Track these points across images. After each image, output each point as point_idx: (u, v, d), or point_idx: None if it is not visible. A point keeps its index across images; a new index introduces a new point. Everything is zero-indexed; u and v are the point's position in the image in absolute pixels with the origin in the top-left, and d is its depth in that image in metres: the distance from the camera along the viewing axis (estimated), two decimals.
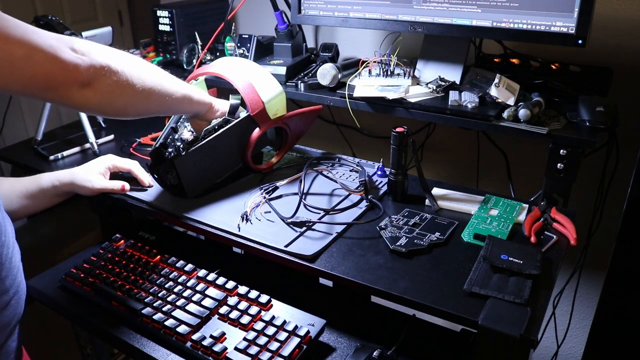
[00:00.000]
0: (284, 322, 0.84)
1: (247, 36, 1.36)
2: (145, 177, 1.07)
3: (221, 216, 0.96)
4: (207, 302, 0.89)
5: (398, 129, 0.97)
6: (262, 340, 0.81)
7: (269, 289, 0.93)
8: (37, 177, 1.04)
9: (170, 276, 0.96)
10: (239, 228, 0.92)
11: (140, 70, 0.84)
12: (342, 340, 0.87)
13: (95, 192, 1.03)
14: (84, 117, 1.49)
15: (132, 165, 1.08)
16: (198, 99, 0.97)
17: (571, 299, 1.38)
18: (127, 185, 1.04)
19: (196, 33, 1.45)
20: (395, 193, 1.02)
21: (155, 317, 0.87)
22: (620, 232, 0.99)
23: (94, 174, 1.04)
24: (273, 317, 0.85)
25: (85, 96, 0.75)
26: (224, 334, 0.83)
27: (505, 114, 1.01)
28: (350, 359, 0.82)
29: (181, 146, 0.99)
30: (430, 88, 1.14)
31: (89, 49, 0.75)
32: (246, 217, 0.95)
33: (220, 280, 0.94)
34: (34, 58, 0.69)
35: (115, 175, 1.08)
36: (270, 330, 0.82)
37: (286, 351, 0.78)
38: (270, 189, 1.04)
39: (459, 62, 1.17)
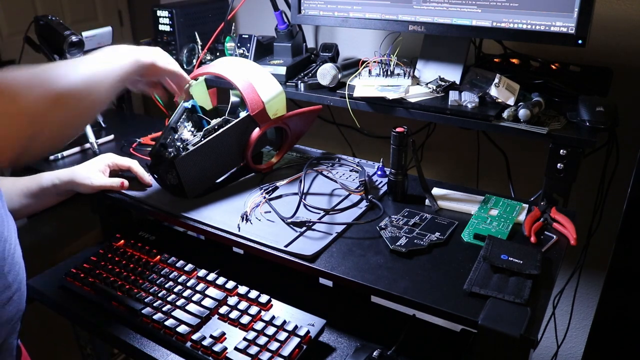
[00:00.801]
0: (284, 322, 0.84)
1: (247, 36, 1.36)
2: (145, 174, 1.07)
3: (221, 216, 0.96)
4: (207, 302, 0.89)
5: (398, 129, 0.97)
6: (262, 340, 0.81)
7: (269, 289, 0.93)
8: (37, 176, 1.04)
9: (170, 276, 0.96)
10: (239, 228, 0.92)
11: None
12: (342, 340, 0.87)
13: (95, 189, 1.03)
14: None
15: (132, 163, 1.08)
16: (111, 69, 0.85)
17: (571, 299, 1.38)
18: (126, 183, 1.05)
19: (196, 33, 1.45)
20: (395, 193, 1.02)
21: (155, 317, 0.87)
22: (620, 232, 0.99)
23: (94, 172, 1.04)
24: (273, 317, 0.85)
25: None
26: (224, 334, 0.83)
27: (505, 114, 1.01)
28: (350, 359, 0.82)
29: (181, 146, 0.99)
30: (430, 88, 1.14)
31: None
32: (246, 217, 0.95)
33: (220, 280, 0.94)
34: None
35: (114, 173, 1.09)
36: (270, 330, 0.82)
37: (286, 351, 0.78)
38: (270, 189, 1.04)
39: (459, 62, 1.17)
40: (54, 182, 1.03)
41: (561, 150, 0.97)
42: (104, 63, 0.84)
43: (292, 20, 1.32)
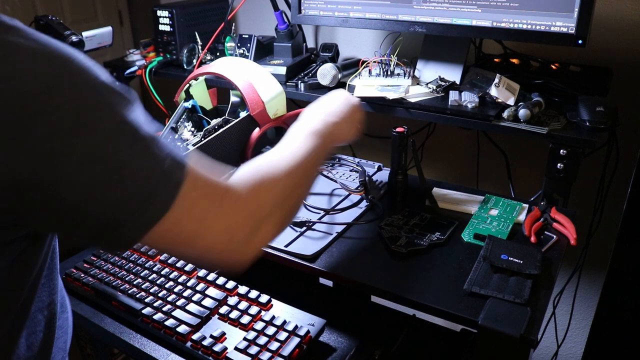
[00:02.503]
0: (284, 322, 0.84)
1: (247, 36, 1.36)
2: None
3: None
4: (207, 302, 0.89)
5: (398, 129, 0.97)
6: (262, 340, 0.81)
7: (269, 289, 0.93)
8: None
9: (170, 276, 0.96)
10: None
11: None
12: (342, 340, 0.87)
13: None
14: None
15: None
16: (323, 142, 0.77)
17: (571, 299, 1.38)
18: None
19: (196, 33, 1.45)
20: (395, 193, 1.02)
21: (155, 317, 0.87)
22: (620, 232, 0.99)
23: None
24: (273, 317, 0.85)
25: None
26: (224, 334, 0.83)
27: (505, 114, 1.01)
28: (350, 359, 0.82)
29: (181, 146, 0.99)
30: (430, 88, 1.14)
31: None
32: None
33: (220, 280, 0.93)
34: None
35: None
36: (270, 330, 0.82)
37: (286, 351, 0.78)
38: None
39: (459, 62, 1.17)
40: None
41: (561, 150, 0.97)
42: (323, 150, 0.77)
43: (292, 20, 1.32)
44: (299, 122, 0.80)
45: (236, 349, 0.80)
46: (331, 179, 1.07)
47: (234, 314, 0.86)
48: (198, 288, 0.92)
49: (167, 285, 0.94)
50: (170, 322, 0.85)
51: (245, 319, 0.85)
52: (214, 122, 1.04)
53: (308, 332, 0.82)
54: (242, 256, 0.62)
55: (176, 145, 0.57)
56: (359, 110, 0.87)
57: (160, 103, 1.14)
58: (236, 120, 1.02)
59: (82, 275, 0.99)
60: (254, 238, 0.62)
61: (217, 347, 0.80)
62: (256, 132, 1.04)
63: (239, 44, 1.37)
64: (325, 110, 0.82)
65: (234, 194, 0.61)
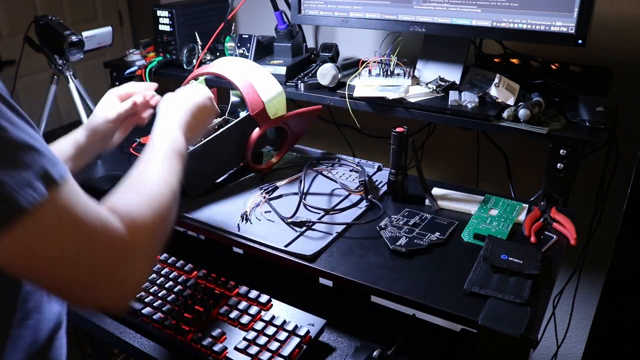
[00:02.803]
0: (284, 322, 0.84)
1: (247, 36, 1.36)
2: (148, 85, 1.03)
3: (221, 216, 0.96)
4: (207, 302, 0.89)
5: (398, 129, 0.97)
6: (262, 340, 0.81)
7: (269, 289, 0.93)
8: (59, 148, 0.98)
9: (170, 276, 0.96)
10: (239, 228, 0.92)
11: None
12: (342, 340, 0.87)
13: (115, 122, 0.98)
14: (83, 116, 1.49)
15: (130, 86, 1.02)
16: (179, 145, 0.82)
17: (571, 299, 1.38)
18: (138, 99, 0.99)
19: (196, 33, 1.45)
20: (395, 193, 1.02)
21: (155, 317, 0.87)
22: (620, 232, 0.99)
23: (106, 109, 0.98)
24: (273, 317, 0.85)
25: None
26: (224, 333, 0.83)
27: (505, 114, 1.01)
28: (350, 359, 0.82)
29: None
30: (430, 88, 1.14)
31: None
32: (246, 217, 0.95)
33: (221, 281, 0.94)
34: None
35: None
36: (270, 330, 0.82)
37: (286, 351, 0.78)
38: (270, 188, 1.04)
39: (459, 62, 1.17)
40: (75, 142, 0.97)
41: (561, 150, 0.97)
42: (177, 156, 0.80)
43: (292, 20, 1.32)
44: (160, 131, 0.83)
45: (236, 348, 0.80)
46: (331, 179, 1.07)
47: (233, 314, 0.86)
48: (198, 288, 0.92)
49: (167, 285, 0.94)
50: (170, 322, 0.85)
51: (245, 319, 0.85)
52: (214, 122, 1.04)
53: (308, 332, 0.82)
54: (116, 297, 0.60)
55: (55, 163, 0.54)
56: (214, 106, 0.95)
57: None
58: (236, 120, 1.02)
59: None
60: (128, 278, 0.60)
61: (217, 347, 0.80)
62: (256, 132, 1.04)
63: (239, 44, 1.37)
64: (182, 114, 0.87)
65: (109, 229, 0.58)
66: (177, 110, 0.88)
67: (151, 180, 0.73)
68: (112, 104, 0.99)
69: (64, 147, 0.97)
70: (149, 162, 0.76)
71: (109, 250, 0.57)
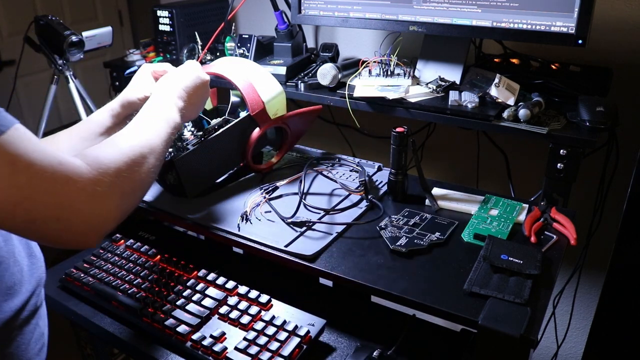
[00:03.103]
0: (284, 322, 0.84)
1: (247, 36, 1.36)
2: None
3: (221, 216, 0.96)
4: (207, 302, 0.89)
5: (398, 129, 0.97)
6: (262, 340, 0.81)
7: (269, 289, 0.93)
8: (92, 118, 0.99)
9: (170, 276, 0.96)
10: (239, 228, 0.92)
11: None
12: (342, 340, 0.87)
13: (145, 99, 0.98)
14: (83, 116, 1.49)
15: (167, 66, 1.03)
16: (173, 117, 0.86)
17: (571, 299, 1.38)
18: None
19: (196, 33, 1.45)
20: (395, 193, 1.02)
21: (155, 317, 0.87)
22: (620, 232, 0.99)
23: (143, 85, 0.99)
24: (273, 317, 0.85)
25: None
26: (224, 333, 0.83)
27: (505, 114, 1.01)
28: (350, 359, 0.82)
29: (181, 146, 0.99)
30: (430, 88, 1.14)
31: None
32: (246, 217, 0.95)
33: (220, 280, 0.93)
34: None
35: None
36: (270, 330, 0.82)
37: (286, 351, 0.78)
38: (270, 188, 1.04)
39: (459, 62, 1.17)
40: (112, 113, 0.98)
41: (561, 150, 0.97)
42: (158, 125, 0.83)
43: (292, 20, 1.32)
44: (152, 99, 0.87)
45: (236, 348, 0.80)
46: (331, 179, 1.07)
47: (234, 314, 0.86)
48: (198, 288, 0.92)
49: (167, 285, 0.94)
50: (170, 322, 0.85)
51: (245, 319, 0.85)
52: (214, 122, 1.04)
53: (308, 332, 0.82)
54: (81, 232, 0.64)
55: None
56: (207, 87, 0.96)
57: None
58: (236, 120, 1.02)
59: (82, 275, 0.99)
60: (92, 214, 0.64)
61: (217, 347, 0.80)
62: (256, 132, 1.04)
63: (239, 44, 1.37)
64: (177, 87, 0.90)
65: (70, 168, 0.62)
66: (170, 84, 0.91)
67: (130, 135, 0.77)
68: (147, 81, 1.01)
69: (100, 118, 0.99)
70: (133, 124, 0.81)
71: (69, 187, 0.61)
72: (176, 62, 1.46)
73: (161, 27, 1.46)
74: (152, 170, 0.77)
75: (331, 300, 0.98)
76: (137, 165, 0.72)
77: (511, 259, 0.78)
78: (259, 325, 0.83)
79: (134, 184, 0.72)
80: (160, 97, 0.89)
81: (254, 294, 0.90)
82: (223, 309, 0.87)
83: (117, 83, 1.57)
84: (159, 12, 1.44)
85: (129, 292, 0.93)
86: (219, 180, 1.07)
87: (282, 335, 0.81)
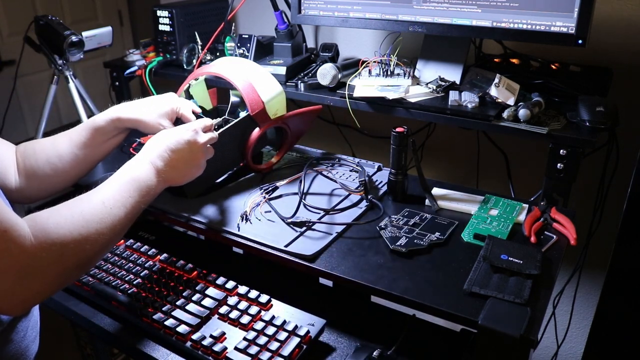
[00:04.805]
0: (284, 322, 0.84)
1: (247, 36, 1.36)
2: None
3: (221, 216, 0.96)
4: (207, 302, 0.89)
5: (398, 129, 0.97)
6: (262, 340, 0.81)
7: (269, 289, 0.93)
8: (87, 121, 0.96)
9: (170, 276, 0.96)
10: (239, 228, 0.92)
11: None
12: (342, 340, 0.87)
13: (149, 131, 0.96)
14: (83, 116, 1.49)
15: (187, 110, 0.99)
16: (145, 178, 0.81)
17: (571, 299, 1.38)
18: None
19: (196, 33, 1.45)
20: (395, 193, 1.02)
21: (155, 316, 0.87)
22: (620, 232, 0.99)
23: (161, 117, 0.95)
24: (273, 317, 0.85)
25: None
26: (224, 333, 0.83)
27: (505, 114, 1.01)
28: (350, 359, 0.82)
29: None
30: (430, 88, 1.14)
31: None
32: (246, 217, 0.95)
33: (220, 280, 0.93)
34: None
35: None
36: (270, 330, 0.82)
37: (286, 351, 0.78)
38: (270, 188, 1.04)
39: (459, 62, 1.17)
40: (113, 118, 0.94)
41: (561, 150, 0.97)
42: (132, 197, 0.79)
43: (292, 20, 1.32)
44: (131, 161, 0.82)
45: (236, 348, 0.80)
46: (331, 179, 1.07)
47: (233, 314, 0.86)
48: (198, 288, 0.92)
49: (167, 285, 0.94)
50: (170, 322, 0.85)
51: (245, 319, 0.85)
52: (213, 122, 1.04)
53: (308, 332, 0.82)
54: (7, 302, 0.62)
55: None
56: (198, 153, 0.88)
57: None
58: (236, 120, 1.02)
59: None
60: (22, 287, 0.62)
61: (217, 347, 0.80)
62: (256, 132, 1.04)
63: (239, 44, 1.37)
64: (161, 146, 0.85)
65: (12, 237, 0.60)
66: (155, 142, 0.86)
67: (91, 202, 0.73)
68: (168, 120, 0.97)
69: (76, 133, 0.96)
70: (101, 186, 0.76)
71: (5, 257, 0.60)
72: (176, 62, 1.46)
73: (161, 27, 1.45)
74: (106, 245, 0.74)
75: (331, 300, 0.98)
76: (87, 243, 0.69)
77: (511, 259, 0.78)
78: (259, 325, 0.83)
79: (79, 260, 0.69)
80: (139, 156, 0.84)
81: (253, 294, 0.90)
82: (223, 309, 0.87)
83: (117, 83, 1.57)
84: (159, 12, 1.44)
85: (129, 292, 0.93)
86: (219, 180, 1.07)
87: (282, 335, 0.81)
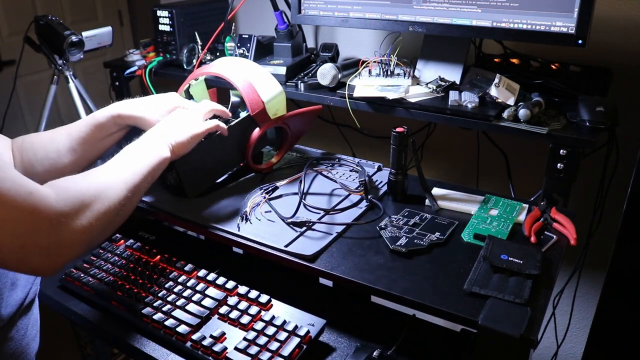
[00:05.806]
0: (284, 322, 0.84)
1: (247, 36, 1.36)
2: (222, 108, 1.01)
3: (221, 216, 0.96)
4: (207, 302, 0.89)
5: (398, 129, 0.97)
6: (262, 340, 0.81)
7: (269, 289, 0.93)
8: (87, 117, 0.97)
9: (170, 276, 0.96)
10: (239, 228, 0.92)
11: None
12: (342, 340, 0.87)
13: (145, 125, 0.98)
14: (83, 116, 1.49)
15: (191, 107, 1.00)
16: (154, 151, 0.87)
17: (571, 299, 1.38)
18: (222, 124, 0.97)
19: (196, 33, 1.45)
20: (395, 193, 1.02)
21: (155, 317, 0.87)
22: (620, 232, 0.99)
23: (164, 117, 0.97)
24: (273, 317, 0.85)
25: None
26: (224, 333, 0.83)
27: (505, 114, 1.01)
28: (350, 359, 0.82)
29: None
30: (430, 88, 1.14)
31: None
32: (246, 217, 0.95)
33: (220, 280, 0.93)
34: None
35: None
36: (270, 330, 0.82)
37: (286, 351, 0.78)
38: (270, 188, 1.04)
39: (459, 62, 1.17)
40: (113, 114, 0.96)
41: (561, 150, 0.97)
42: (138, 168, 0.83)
43: (292, 20, 1.32)
44: (141, 138, 0.88)
45: (236, 349, 0.80)
46: (331, 179, 1.07)
47: (233, 314, 0.86)
48: (198, 288, 0.92)
49: (167, 285, 0.94)
50: (170, 322, 0.85)
51: (245, 319, 0.85)
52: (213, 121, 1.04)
53: (308, 332, 0.82)
54: (41, 261, 0.66)
55: None
56: (198, 139, 0.93)
57: None
58: (236, 120, 1.02)
59: (82, 275, 0.99)
60: (54, 244, 0.66)
61: (217, 347, 0.80)
62: (256, 132, 1.04)
63: (239, 44, 1.37)
64: (165, 128, 0.91)
65: (37, 199, 0.64)
66: (160, 125, 0.92)
67: (104, 169, 0.79)
68: (163, 107, 1.00)
69: (75, 128, 0.98)
70: (114, 159, 0.82)
71: (34, 217, 0.63)
72: (176, 62, 1.46)
73: (161, 27, 1.45)
74: (125, 205, 0.77)
75: (331, 300, 0.98)
76: (107, 200, 0.73)
77: (511, 259, 0.78)
78: (259, 325, 0.83)
79: (101, 218, 0.72)
80: (147, 135, 0.89)
81: (253, 294, 0.90)
82: (223, 309, 0.87)
83: (117, 83, 1.57)
84: (159, 12, 1.44)
85: (129, 292, 0.93)
86: (219, 180, 1.07)
87: (282, 335, 0.81)
